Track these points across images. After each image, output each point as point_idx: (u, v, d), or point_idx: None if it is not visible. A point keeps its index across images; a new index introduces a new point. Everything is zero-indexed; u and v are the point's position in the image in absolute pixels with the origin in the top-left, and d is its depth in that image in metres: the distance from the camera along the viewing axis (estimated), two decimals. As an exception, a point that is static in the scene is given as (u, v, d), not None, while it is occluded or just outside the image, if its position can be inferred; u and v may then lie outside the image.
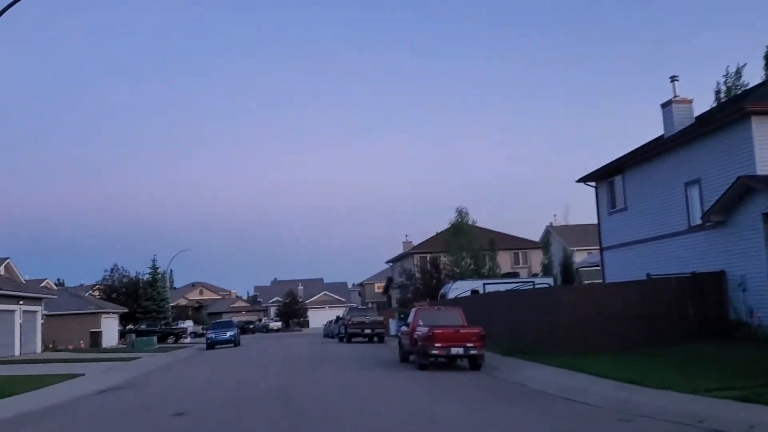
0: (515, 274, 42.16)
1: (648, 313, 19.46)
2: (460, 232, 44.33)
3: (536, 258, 59.34)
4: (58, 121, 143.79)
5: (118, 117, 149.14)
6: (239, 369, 23.41)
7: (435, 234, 60.36)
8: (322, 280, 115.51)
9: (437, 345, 18.79)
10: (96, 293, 68.24)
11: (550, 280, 40.13)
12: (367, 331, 38.33)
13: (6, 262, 47.72)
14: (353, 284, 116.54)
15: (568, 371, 16.51)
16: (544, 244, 45.83)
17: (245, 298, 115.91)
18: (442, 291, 41.22)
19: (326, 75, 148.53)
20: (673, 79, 24.02)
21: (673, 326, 19.26)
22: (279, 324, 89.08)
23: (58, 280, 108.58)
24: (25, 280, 51.18)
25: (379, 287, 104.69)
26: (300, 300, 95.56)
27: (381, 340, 38.72)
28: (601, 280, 29.72)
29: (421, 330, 19.74)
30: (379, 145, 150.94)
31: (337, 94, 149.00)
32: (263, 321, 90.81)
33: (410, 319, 21.73)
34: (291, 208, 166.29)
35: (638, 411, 10.68)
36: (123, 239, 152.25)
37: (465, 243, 44.15)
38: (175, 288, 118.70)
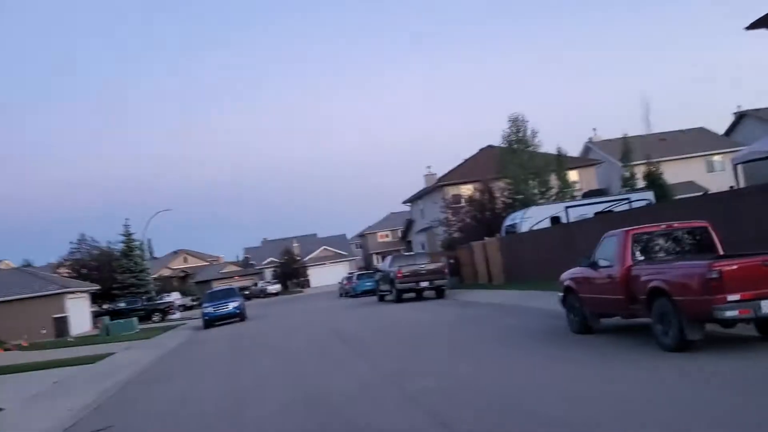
0: (601, 192, 32.03)
1: None
2: (519, 145, 33.90)
3: (587, 176, 49.40)
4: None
5: (82, 56, 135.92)
6: (290, 373, 12.61)
7: (463, 162, 50.02)
8: (315, 234, 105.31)
9: (733, 298, 8.59)
10: (64, 271, 57.31)
11: (649, 195, 30.13)
12: (424, 283, 28.06)
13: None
14: (351, 236, 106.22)
15: None
16: (623, 155, 35.74)
17: (235, 261, 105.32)
18: (507, 223, 31.07)
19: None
20: None
21: None
22: (278, 287, 79.17)
23: (25, 260, 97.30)
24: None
25: (382, 236, 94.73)
26: (298, 258, 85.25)
27: (441, 294, 28.57)
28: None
29: (670, 272, 9.55)
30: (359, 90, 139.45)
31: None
32: (259, 285, 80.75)
33: (606, 252, 11.39)
34: (272, 162, 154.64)
35: None
36: (92, 210, 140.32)
37: (525, 161, 33.85)
38: (155, 258, 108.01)
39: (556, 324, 14.23)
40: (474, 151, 50.71)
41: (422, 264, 28.82)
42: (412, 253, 36.02)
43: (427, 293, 29.91)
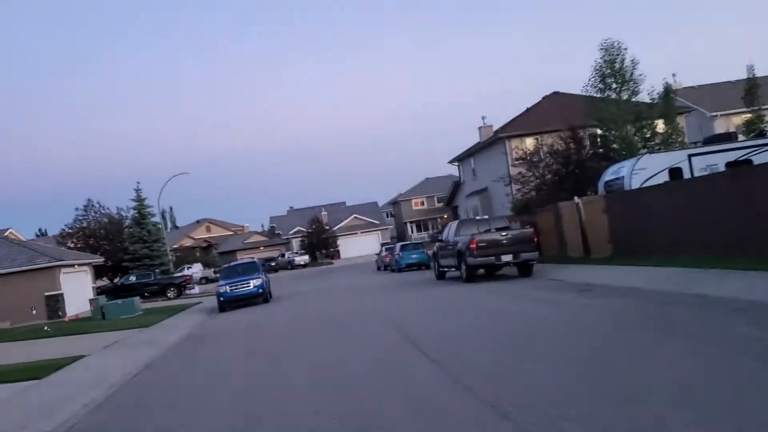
0: (730, 136, 24.57)
1: None
2: (617, 79, 26.42)
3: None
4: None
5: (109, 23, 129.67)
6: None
7: (524, 111, 42.63)
8: (344, 203, 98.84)
9: None
10: (71, 241, 50.73)
11: (803, 140, 22.66)
12: (506, 257, 20.90)
13: None
14: (382, 204, 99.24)
15: None
16: (747, 94, 27.92)
17: (261, 231, 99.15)
18: (608, 178, 23.80)
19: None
20: None
21: None
22: (306, 258, 73.10)
23: (40, 230, 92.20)
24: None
25: (417, 203, 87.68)
26: (327, 227, 78.71)
27: (527, 272, 21.51)
28: None
29: None
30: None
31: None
32: (287, 256, 74.58)
33: None
34: (299, 128, 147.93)
35: None
36: (113, 179, 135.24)
37: (622, 100, 26.38)
38: (177, 227, 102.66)
39: None
40: (537, 99, 43.44)
41: (502, 231, 21.62)
42: (484, 216, 28.76)
43: (504, 270, 22.95)
